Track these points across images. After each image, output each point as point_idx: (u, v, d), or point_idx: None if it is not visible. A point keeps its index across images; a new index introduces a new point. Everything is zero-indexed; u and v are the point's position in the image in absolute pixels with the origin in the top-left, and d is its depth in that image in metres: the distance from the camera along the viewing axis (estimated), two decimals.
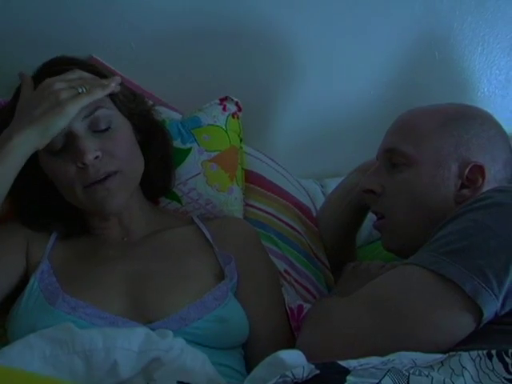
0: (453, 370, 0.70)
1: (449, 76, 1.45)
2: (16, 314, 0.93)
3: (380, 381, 0.68)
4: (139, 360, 0.82)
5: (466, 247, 0.81)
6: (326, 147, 1.44)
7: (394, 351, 0.75)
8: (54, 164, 0.96)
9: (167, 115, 1.20)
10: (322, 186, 1.40)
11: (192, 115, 1.21)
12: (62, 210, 1.04)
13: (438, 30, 1.43)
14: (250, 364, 0.97)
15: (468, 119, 1.01)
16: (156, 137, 1.09)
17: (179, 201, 1.15)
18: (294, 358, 0.72)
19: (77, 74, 0.96)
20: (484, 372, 0.70)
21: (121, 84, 1.01)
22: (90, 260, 1.00)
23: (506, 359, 0.70)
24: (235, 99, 1.23)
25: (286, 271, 1.15)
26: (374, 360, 0.72)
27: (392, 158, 1.02)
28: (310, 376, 0.69)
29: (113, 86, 0.97)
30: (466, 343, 0.79)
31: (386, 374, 0.68)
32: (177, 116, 1.24)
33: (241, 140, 1.24)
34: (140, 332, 0.85)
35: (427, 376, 0.68)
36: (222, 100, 1.23)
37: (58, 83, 0.93)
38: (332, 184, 1.33)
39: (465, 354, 0.72)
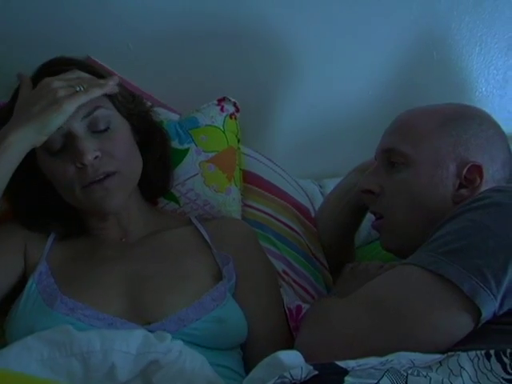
0: (451, 371, 0.70)
1: (447, 76, 1.45)
2: (14, 315, 0.93)
3: (378, 381, 0.68)
4: (137, 362, 0.82)
5: (464, 247, 0.82)
6: (324, 147, 1.44)
7: (393, 351, 0.75)
8: (53, 164, 0.96)
9: (165, 116, 1.20)
10: (320, 187, 1.40)
11: (190, 116, 1.21)
12: (60, 211, 1.04)
13: (436, 31, 1.43)
14: (248, 365, 0.97)
15: (466, 119, 1.01)
16: (154, 137, 1.09)
17: (177, 201, 1.15)
18: (292, 359, 0.72)
19: (75, 74, 0.97)
20: (482, 372, 0.70)
21: (119, 84, 1.01)
22: (88, 261, 1.00)
23: (504, 359, 0.70)
24: (233, 100, 1.23)
25: (284, 272, 1.15)
26: (373, 360, 0.72)
27: (390, 158, 1.02)
28: (308, 377, 0.69)
29: (111, 84, 0.97)
30: (464, 343, 0.79)
31: (384, 374, 0.68)
32: (174, 117, 1.24)
33: (238, 141, 1.24)
34: (138, 334, 0.85)
35: (425, 376, 0.68)
36: (219, 101, 1.23)
37: (56, 82, 0.93)
38: (330, 184, 1.33)
39: (463, 355, 0.72)
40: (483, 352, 0.72)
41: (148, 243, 1.03)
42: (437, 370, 0.70)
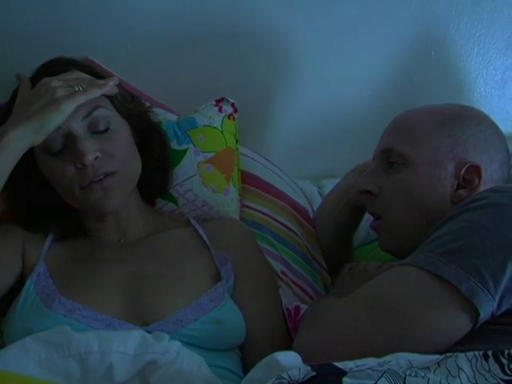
0: (449, 371, 0.70)
1: (445, 76, 1.45)
2: (12, 316, 0.93)
3: (376, 382, 0.68)
4: (135, 363, 0.82)
5: (462, 247, 0.81)
6: (322, 148, 1.44)
7: (391, 352, 0.75)
8: (53, 164, 0.96)
9: (163, 116, 1.20)
10: (318, 187, 1.40)
11: (188, 116, 1.21)
12: (58, 212, 1.04)
13: (435, 31, 1.43)
14: (247, 365, 0.97)
15: (464, 120, 1.01)
16: (153, 138, 1.09)
17: (175, 202, 1.15)
18: (290, 360, 0.72)
19: (75, 74, 0.97)
20: (480, 373, 0.70)
21: (118, 85, 1.01)
22: (86, 262, 1.00)
23: (503, 360, 0.70)
24: (231, 100, 1.23)
25: (282, 272, 1.15)
26: (371, 361, 0.72)
27: (389, 159, 1.02)
28: (306, 378, 0.69)
29: (111, 84, 0.97)
30: (462, 343, 0.79)
31: (382, 375, 0.68)
32: (173, 117, 1.24)
33: (237, 141, 1.24)
34: (136, 335, 0.85)
35: (423, 377, 0.68)
36: (218, 101, 1.23)
37: (55, 81, 0.93)
38: (329, 185, 1.33)
39: (461, 355, 0.72)
40: (481, 353, 0.72)
41: (146, 244, 1.03)
42: (435, 370, 0.70)
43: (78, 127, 0.95)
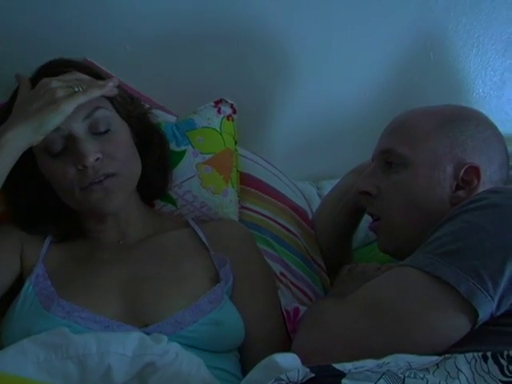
0: (448, 373, 0.70)
1: (444, 77, 1.45)
2: (11, 317, 0.93)
3: None
4: (133, 365, 0.82)
5: (460, 248, 0.81)
6: (322, 149, 1.44)
7: (390, 353, 0.75)
8: (53, 166, 0.96)
9: (162, 118, 1.20)
10: (318, 188, 1.40)
11: (186, 118, 1.21)
12: (57, 213, 1.03)
13: (433, 32, 1.43)
14: (246, 367, 0.97)
15: (463, 120, 1.01)
16: (153, 139, 1.09)
17: (174, 203, 1.15)
18: (289, 361, 0.71)
19: (74, 75, 0.97)
20: (479, 374, 0.70)
21: (118, 86, 1.01)
22: (85, 263, 1.00)
23: (502, 361, 0.70)
24: (230, 101, 1.23)
25: (282, 274, 1.15)
26: (370, 363, 0.72)
27: (388, 159, 1.02)
28: (304, 379, 0.69)
29: (110, 85, 0.97)
30: (461, 345, 0.79)
31: (381, 376, 0.68)
32: (172, 119, 1.24)
33: (235, 142, 1.24)
34: (134, 336, 0.85)
35: (422, 379, 0.68)
36: (216, 102, 1.23)
37: (55, 82, 0.93)
38: (328, 186, 1.33)
39: (460, 357, 0.72)
40: (480, 354, 0.72)
41: (145, 245, 1.03)
42: (434, 372, 0.70)
43: (79, 128, 0.95)
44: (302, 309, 1.04)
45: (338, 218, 1.18)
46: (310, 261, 1.19)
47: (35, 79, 0.98)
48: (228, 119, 1.22)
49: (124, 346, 0.83)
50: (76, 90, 0.93)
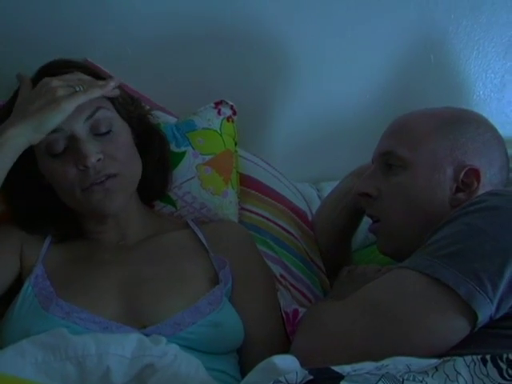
0: (447, 376, 0.70)
1: (444, 79, 1.45)
2: (10, 318, 0.93)
3: None
4: (132, 366, 0.82)
5: (460, 251, 0.81)
6: (322, 151, 1.44)
7: (389, 355, 0.75)
8: (54, 166, 0.96)
9: (162, 119, 1.20)
10: (317, 190, 1.40)
11: (187, 119, 1.21)
12: (57, 214, 1.03)
13: (434, 34, 1.43)
14: (245, 369, 0.97)
15: (463, 123, 1.01)
16: (153, 140, 1.09)
17: (174, 204, 1.15)
18: (287, 364, 0.71)
19: (76, 75, 0.97)
20: (478, 377, 0.70)
21: (119, 87, 1.01)
22: (84, 264, 1.00)
23: (501, 364, 0.70)
24: (230, 103, 1.23)
25: (281, 275, 1.15)
26: (368, 365, 0.71)
27: (388, 161, 1.01)
28: (303, 381, 0.68)
29: (111, 85, 0.97)
30: (460, 347, 0.79)
31: (379, 379, 0.68)
32: (172, 120, 1.24)
33: (235, 144, 1.24)
34: (133, 338, 0.85)
35: (421, 382, 0.68)
36: (216, 104, 1.23)
37: (56, 81, 0.94)
38: (328, 188, 1.32)
39: (459, 360, 0.72)
40: (479, 357, 0.72)
41: (145, 246, 1.03)
42: (433, 375, 0.70)
43: (81, 129, 0.95)
44: (302, 310, 1.03)
45: (337, 219, 1.18)
46: (309, 262, 1.19)
47: (36, 79, 0.98)
48: (228, 120, 1.22)
49: (123, 348, 0.83)
50: (77, 89, 0.93)
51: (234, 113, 1.23)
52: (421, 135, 1.00)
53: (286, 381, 0.68)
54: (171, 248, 1.03)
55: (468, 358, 0.72)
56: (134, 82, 1.22)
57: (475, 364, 0.71)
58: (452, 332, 0.79)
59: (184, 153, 1.16)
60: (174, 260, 1.01)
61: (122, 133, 1.00)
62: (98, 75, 1.02)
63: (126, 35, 1.31)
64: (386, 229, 1.02)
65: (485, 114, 1.06)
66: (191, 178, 1.15)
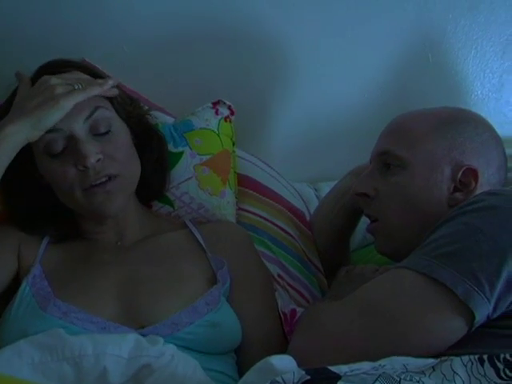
0: (444, 376, 0.70)
1: (442, 79, 1.45)
2: (7, 318, 0.93)
3: None
4: (129, 366, 0.82)
5: (457, 250, 0.81)
6: (320, 151, 1.44)
7: (386, 355, 0.75)
8: (53, 166, 0.96)
9: (160, 119, 1.20)
10: (315, 190, 1.40)
11: (184, 119, 1.21)
12: (56, 214, 1.03)
13: (432, 34, 1.43)
14: (242, 369, 0.97)
15: (461, 123, 1.01)
16: (151, 140, 1.09)
17: (172, 205, 1.15)
18: (284, 364, 0.71)
19: (75, 74, 0.97)
20: (476, 377, 0.70)
21: (118, 87, 1.01)
22: (82, 264, 1.00)
23: (498, 364, 0.70)
24: (228, 103, 1.23)
25: (279, 275, 1.15)
26: (366, 365, 0.71)
27: (386, 161, 1.01)
28: (300, 382, 0.68)
29: (110, 83, 0.97)
30: (458, 347, 0.79)
31: (376, 379, 0.68)
32: (169, 120, 1.23)
33: (233, 144, 1.24)
34: (130, 338, 0.85)
35: (418, 381, 0.68)
36: (214, 104, 1.22)
37: (55, 79, 0.94)
38: (326, 188, 1.32)
39: (456, 359, 0.72)
40: (476, 357, 0.72)
41: (143, 247, 1.03)
42: (430, 375, 0.70)
43: (80, 130, 0.95)
44: (299, 311, 1.03)
45: (335, 219, 1.18)
46: (307, 262, 1.19)
47: (35, 79, 0.98)
48: (226, 120, 1.22)
49: (120, 348, 0.83)
50: (75, 87, 0.93)
51: (232, 113, 1.23)
52: (419, 135, 1.00)
53: (283, 381, 0.68)
54: (169, 248, 1.03)
55: (465, 358, 0.72)
56: (132, 82, 1.22)
57: (472, 364, 0.71)
58: (449, 332, 0.79)
59: (182, 153, 1.16)
60: (171, 260, 1.01)
61: (121, 133, 1.00)
62: (96, 75, 1.02)
63: (124, 35, 1.31)
64: (383, 229, 1.02)
65: (483, 114, 1.06)
66: (189, 179, 1.15)
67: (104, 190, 0.95)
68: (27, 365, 0.81)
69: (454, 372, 0.70)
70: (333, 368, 0.71)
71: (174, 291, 0.95)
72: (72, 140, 0.95)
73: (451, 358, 0.73)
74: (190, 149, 1.16)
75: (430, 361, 0.73)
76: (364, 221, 1.13)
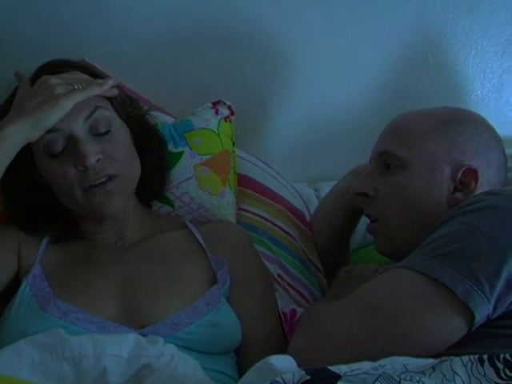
0: (444, 376, 0.70)
1: (442, 79, 1.45)
2: (7, 318, 0.93)
3: None
4: (129, 366, 0.82)
5: (457, 250, 0.81)
6: (319, 150, 1.44)
7: (386, 355, 0.75)
8: (53, 166, 0.96)
9: (160, 119, 1.20)
10: (315, 190, 1.40)
11: (184, 119, 1.21)
12: (55, 214, 1.03)
13: (432, 34, 1.43)
14: (242, 369, 0.96)
15: (461, 123, 1.01)
16: (151, 140, 1.09)
17: (171, 205, 1.15)
18: (284, 364, 0.71)
19: (74, 75, 0.97)
20: (475, 377, 0.70)
21: (117, 87, 1.01)
22: (82, 264, 1.00)
23: (498, 364, 0.70)
24: (228, 103, 1.23)
25: (279, 275, 1.15)
26: (366, 365, 0.71)
27: (386, 161, 1.01)
28: (300, 382, 0.68)
29: (110, 83, 0.97)
30: (458, 347, 0.79)
31: (376, 379, 0.68)
32: (169, 120, 1.23)
33: (233, 144, 1.24)
34: (130, 338, 0.85)
35: (418, 381, 0.68)
36: (214, 104, 1.22)
37: (54, 79, 0.94)
38: (326, 188, 1.32)
39: (456, 359, 0.72)
40: (476, 357, 0.72)
41: (143, 247, 1.03)
42: (430, 375, 0.70)
43: (80, 130, 0.95)
44: (299, 311, 1.03)
45: (335, 219, 1.18)
46: (307, 262, 1.19)
47: (34, 79, 0.98)
48: (226, 120, 1.22)
49: (120, 348, 0.83)
50: (75, 87, 0.94)
51: (232, 113, 1.23)
52: (419, 135, 1.00)
53: (283, 381, 0.68)
54: (169, 248, 1.03)
55: (465, 358, 0.72)
56: (132, 82, 1.22)
57: (472, 364, 0.71)
58: (449, 332, 0.79)
59: (181, 153, 1.16)
60: (171, 260, 1.01)
61: (121, 133, 1.00)
62: (95, 75, 1.02)
63: (124, 35, 1.31)
64: (383, 228, 1.02)
65: (483, 114, 1.06)
66: (189, 179, 1.15)
67: (104, 190, 0.95)
68: (27, 365, 0.81)
69: (454, 372, 0.70)
70: (333, 368, 0.71)
71: (173, 291, 0.95)
72: (72, 140, 0.95)
73: (451, 357, 0.73)
74: (190, 149, 1.16)
75: (430, 361, 0.73)
76: (364, 221, 1.13)
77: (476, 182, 0.97)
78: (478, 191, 0.96)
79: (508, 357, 0.71)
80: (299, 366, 0.74)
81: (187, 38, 1.33)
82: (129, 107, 1.04)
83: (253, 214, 1.20)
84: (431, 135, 0.99)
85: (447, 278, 0.79)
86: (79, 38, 1.28)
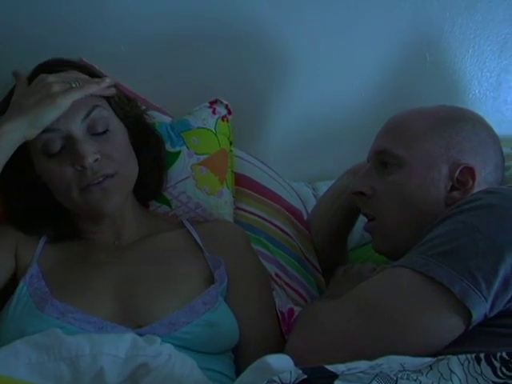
0: (441, 374, 0.70)
1: (440, 78, 1.45)
2: (5, 318, 0.93)
3: None
4: (126, 366, 0.82)
5: (454, 249, 0.81)
6: (317, 150, 1.44)
7: (384, 354, 0.75)
8: (50, 165, 0.96)
9: (157, 119, 1.20)
10: (313, 189, 1.40)
11: (181, 118, 1.21)
12: (53, 214, 1.03)
13: (429, 33, 1.43)
14: (240, 368, 0.97)
15: (459, 121, 1.01)
16: (149, 140, 1.09)
17: (169, 204, 1.15)
18: (281, 363, 0.71)
19: (72, 74, 0.98)
20: (472, 376, 0.69)
21: (115, 87, 1.01)
22: (80, 264, 1.00)
23: (495, 363, 0.70)
24: (225, 102, 1.23)
25: (276, 275, 1.15)
26: (363, 364, 0.71)
27: (383, 160, 1.01)
28: (297, 381, 0.68)
29: (107, 82, 0.97)
30: (455, 346, 0.79)
31: (373, 378, 0.67)
32: (167, 119, 1.23)
33: (231, 143, 1.24)
34: (127, 338, 0.85)
35: (415, 380, 0.68)
36: (211, 103, 1.22)
37: (52, 78, 0.94)
38: (323, 187, 1.33)
39: (453, 358, 0.72)
40: (473, 356, 0.72)
41: (140, 246, 1.03)
42: (427, 373, 0.70)
43: (78, 129, 0.95)
44: (297, 310, 1.03)
45: (333, 218, 1.18)
46: (304, 262, 1.19)
47: (32, 78, 0.98)
48: (223, 120, 1.22)
49: (117, 348, 0.83)
50: (73, 85, 0.93)
51: (229, 112, 1.23)
52: (416, 134, 1.00)
53: (280, 380, 0.68)
54: (166, 248, 1.03)
55: (462, 357, 0.72)
56: (129, 81, 1.22)
57: (469, 362, 0.71)
58: (446, 330, 0.79)
59: (179, 152, 1.16)
60: (169, 260, 1.01)
61: (119, 132, 1.00)
62: (93, 74, 1.02)
63: (121, 35, 1.31)
64: (381, 227, 1.02)
65: (480, 113, 1.06)
66: (186, 178, 1.15)
67: (101, 188, 0.95)
68: (24, 365, 0.81)
69: (451, 371, 0.70)
70: (330, 367, 0.70)
71: (171, 291, 0.95)
72: (69, 140, 0.95)
73: (448, 356, 0.73)
74: (188, 148, 1.16)
75: (427, 359, 0.73)
76: (361, 220, 1.13)
77: (473, 180, 0.97)
78: (476, 190, 0.96)
79: (505, 355, 0.71)
80: (296, 364, 0.74)
81: (185, 37, 1.33)
82: (126, 107, 1.04)
83: (250, 213, 1.20)
84: (429, 134, 0.99)
85: (444, 276, 0.79)
86: (77, 37, 1.28)
